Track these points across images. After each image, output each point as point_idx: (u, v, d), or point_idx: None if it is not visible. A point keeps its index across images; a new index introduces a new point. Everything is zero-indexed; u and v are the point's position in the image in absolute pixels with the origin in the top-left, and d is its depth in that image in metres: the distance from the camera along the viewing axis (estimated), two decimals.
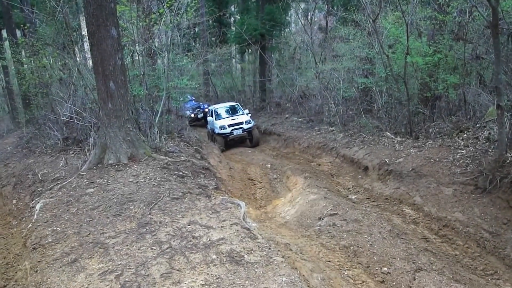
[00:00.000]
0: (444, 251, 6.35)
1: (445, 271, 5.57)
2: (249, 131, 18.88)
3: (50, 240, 5.80)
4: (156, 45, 13.82)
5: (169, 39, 12.53)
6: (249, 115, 19.84)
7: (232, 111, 20.22)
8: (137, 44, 12.06)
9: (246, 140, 19.48)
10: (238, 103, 21.27)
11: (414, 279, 5.23)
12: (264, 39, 23.50)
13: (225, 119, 19.22)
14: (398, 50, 11.85)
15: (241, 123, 18.68)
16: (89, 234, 5.79)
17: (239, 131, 18.57)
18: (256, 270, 4.51)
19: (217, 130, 18.72)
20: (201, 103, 23.64)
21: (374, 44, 13.27)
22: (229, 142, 18.79)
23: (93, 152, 8.86)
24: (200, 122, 23.02)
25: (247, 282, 4.28)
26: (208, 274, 4.46)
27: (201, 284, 4.27)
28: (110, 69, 8.10)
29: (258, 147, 19.02)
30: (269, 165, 12.99)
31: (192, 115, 22.01)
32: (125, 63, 9.98)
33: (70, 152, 10.44)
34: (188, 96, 22.23)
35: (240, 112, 19.95)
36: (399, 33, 11.64)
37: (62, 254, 5.29)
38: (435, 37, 11.61)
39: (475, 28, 11.32)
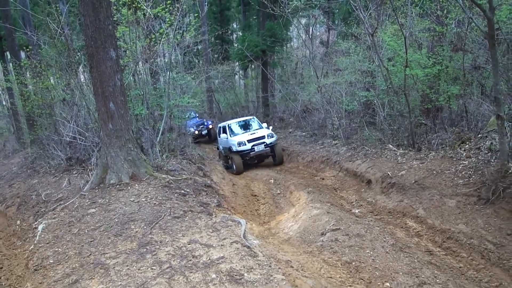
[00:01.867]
0: (448, 264, 6.27)
1: (450, 284, 5.50)
2: (271, 146, 16.46)
3: (52, 261, 5.81)
4: (158, 64, 13.94)
5: (170, 58, 12.63)
6: (271, 127, 17.57)
7: (249, 126, 17.92)
8: (138, 63, 12.18)
9: (268, 157, 17.27)
10: (254, 117, 19.06)
11: None
12: (266, 55, 23.61)
13: (243, 134, 16.98)
14: (398, 63, 11.87)
15: (263, 137, 16.31)
16: (90, 254, 5.80)
17: (261, 147, 16.15)
18: None
19: (235, 147, 16.22)
20: (205, 120, 23.69)
21: (374, 58, 13.32)
22: (248, 161, 16.56)
23: (95, 172, 8.91)
24: (204, 138, 23.05)
25: None
26: None
27: None
28: (110, 90, 8.18)
29: (262, 162, 17.56)
30: (272, 181, 12.97)
31: (196, 132, 21.96)
32: (127, 82, 10.07)
33: (73, 172, 10.50)
34: (192, 113, 22.28)
35: (258, 126, 17.70)
36: (398, 46, 11.68)
37: (63, 275, 5.30)
38: (435, 48, 11.62)
39: (473, 38, 11.35)
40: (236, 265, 5.03)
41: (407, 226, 7.73)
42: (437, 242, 6.98)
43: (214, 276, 4.78)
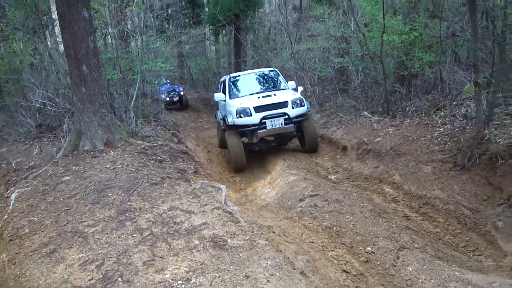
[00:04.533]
0: (425, 229, 6.38)
1: (428, 249, 5.60)
2: (298, 122, 10.20)
3: (27, 230, 5.64)
4: (129, 27, 13.54)
5: (142, 21, 12.25)
6: (300, 89, 11.03)
7: (266, 83, 11.62)
8: (109, 26, 11.79)
9: (291, 140, 11.38)
10: (276, 70, 12.32)
11: (398, 258, 5.24)
12: (239, 19, 23.19)
13: (250, 96, 10.54)
14: (374, 28, 11.83)
15: (283, 104, 9.98)
16: (67, 223, 5.65)
17: (279, 122, 9.80)
18: (240, 255, 4.46)
19: (231, 118, 10.03)
20: (176, 86, 23.19)
21: (350, 23, 13.24)
22: (255, 146, 10.77)
23: (67, 138, 8.65)
24: (175, 105, 22.65)
25: (232, 267, 4.23)
26: (191, 260, 4.39)
27: (185, 270, 4.21)
28: (83, 52, 7.86)
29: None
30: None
31: (167, 99, 21.48)
32: (98, 46, 9.72)
33: (44, 140, 10.18)
34: (163, 79, 21.79)
35: (281, 85, 11.38)
36: (375, 11, 11.62)
37: (40, 245, 5.15)
38: (410, 15, 11.60)
39: (449, 5, 11.37)
40: (219, 231, 5.00)
41: (383, 192, 7.81)
42: (414, 207, 7.07)
43: (197, 242, 4.74)
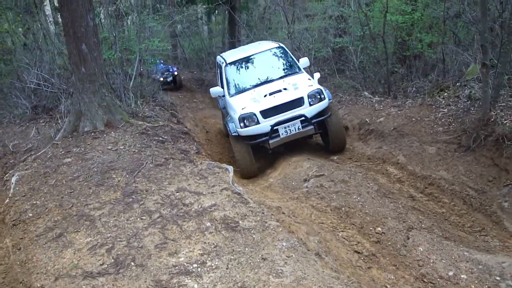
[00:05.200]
0: (431, 209, 6.37)
1: (435, 229, 5.60)
2: (321, 122, 8.16)
3: (31, 214, 5.53)
4: (123, 6, 13.29)
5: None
6: (318, 77, 8.76)
7: (273, 67, 9.10)
8: (104, 5, 11.55)
9: (311, 137, 9.32)
10: (283, 46, 9.74)
11: (408, 238, 5.23)
12: None
13: (253, 92, 8.42)
14: (376, 8, 11.68)
15: (298, 102, 7.89)
16: (72, 206, 5.55)
17: (296, 127, 7.87)
18: (253, 236, 4.41)
19: (234, 127, 8.04)
20: (170, 66, 22.92)
21: (350, 2, 13.08)
22: (268, 149, 8.25)
23: (67, 119, 8.48)
24: (170, 85, 22.39)
25: (246, 249, 4.17)
26: (205, 242, 4.33)
27: (199, 253, 4.14)
28: (82, 31, 7.64)
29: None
30: None
31: (161, 79, 21.21)
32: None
33: (41, 121, 9.99)
34: (157, 60, 21.50)
35: (291, 69, 9.05)
36: None
37: (46, 229, 5.06)
38: None
39: None
40: (230, 213, 4.93)
41: (388, 172, 7.75)
42: (419, 188, 7.04)
43: (209, 224, 4.67)
